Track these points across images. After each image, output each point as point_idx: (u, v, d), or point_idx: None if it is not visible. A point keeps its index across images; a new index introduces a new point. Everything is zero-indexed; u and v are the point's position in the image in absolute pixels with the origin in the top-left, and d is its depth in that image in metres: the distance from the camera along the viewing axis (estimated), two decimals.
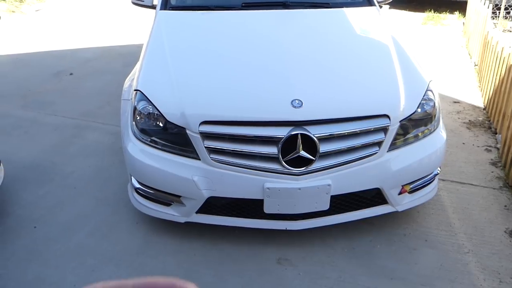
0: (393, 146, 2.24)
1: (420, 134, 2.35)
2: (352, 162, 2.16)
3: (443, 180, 3.00)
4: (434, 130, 2.41)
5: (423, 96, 2.34)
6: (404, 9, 7.90)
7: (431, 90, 2.42)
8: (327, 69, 2.40)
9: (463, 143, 3.52)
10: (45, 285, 2.18)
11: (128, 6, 3.70)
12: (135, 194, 2.43)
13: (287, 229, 2.27)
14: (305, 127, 2.08)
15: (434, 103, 2.39)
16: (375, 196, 2.32)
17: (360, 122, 2.15)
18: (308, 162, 2.09)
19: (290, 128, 2.07)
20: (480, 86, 4.62)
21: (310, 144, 2.07)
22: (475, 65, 5.17)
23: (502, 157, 3.23)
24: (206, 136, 2.12)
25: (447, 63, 5.35)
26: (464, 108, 4.16)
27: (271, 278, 2.20)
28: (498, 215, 2.66)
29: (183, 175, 2.17)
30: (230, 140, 2.12)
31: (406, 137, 2.29)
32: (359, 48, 2.66)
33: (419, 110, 2.32)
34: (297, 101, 2.11)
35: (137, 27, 6.55)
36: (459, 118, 3.96)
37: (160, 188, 2.28)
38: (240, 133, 2.09)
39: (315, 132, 2.07)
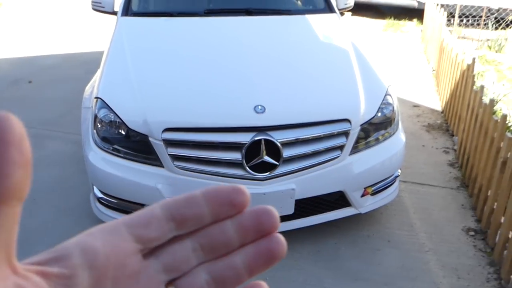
0: (354, 150, 2.30)
1: (380, 137, 2.42)
2: (315, 166, 2.20)
3: (404, 181, 3.10)
4: (394, 133, 2.49)
5: (382, 100, 2.42)
6: (366, 16, 8.12)
7: (389, 95, 2.50)
8: (289, 74, 2.44)
9: (423, 145, 3.64)
10: None
11: (90, 11, 3.63)
12: (98, 204, 2.38)
13: None
14: (268, 132, 2.10)
15: (393, 107, 2.47)
16: (338, 199, 2.37)
17: (322, 126, 2.20)
18: (272, 167, 2.11)
19: (253, 133, 2.08)
20: (438, 91, 4.81)
21: (273, 149, 2.10)
22: (433, 70, 5.38)
23: (458, 158, 3.37)
24: (169, 143, 2.11)
25: (407, 68, 5.54)
26: (423, 112, 4.30)
27: None
28: (456, 214, 2.77)
29: (147, 183, 2.15)
30: (194, 146, 2.11)
31: (367, 140, 2.35)
32: (320, 54, 2.72)
33: (379, 114, 2.39)
34: (260, 106, 2.13)
35: (99, 33, 6.43)
36: (418, 121, 4.10)
37: (123, 197, 2.24)
38: (203, 139, 2.09)
39: (278, 137, 2.10)
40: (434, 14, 5.69)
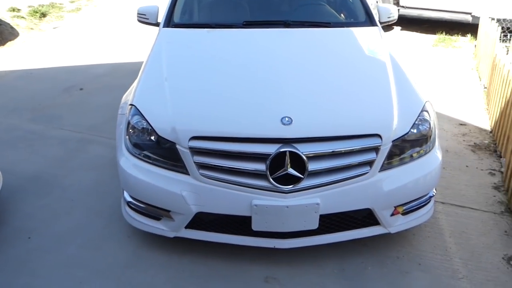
0: (385, 166, 2.22)
1: (414, 154, 2.31)
2: (342, 181, 2.14)
3: (442, 203, 2.94)
4: (429, 151, 2.37)
5: (418, 116, 2.32)
6: (416, 31, 7.90)
7: (427, 111, 2.39)
8: (321, 87, 2.41)
9: (467, 166, 3.45)
10: None
11: (140, 24, 3.79)
12: (127, 208, 2.45)
13: (275, 247, 2.24)
14: (294, 144, 2.07)
15: (430, 124, 2.36)
16: (366, 217, 2.29)
17: (351, 141, 2.14)
18: (296, 180, 2.08)
19: (279, 145, 2.07)
20: (488, 109, 4.56)
21: (298, 161, 2.07)
22: (484, 88, 5.11)
23: (505, 181, 3.16)
24: (195, 151, 2.13)
25: (456, 85, 5.30)
26: (470, 131, 4.09)
27: None
28: (497, 241, 2.59)
29: (173, 190, 2.18)
30: (219, 156, 2.12)
31: (399, 157, 2.26)
32: (356, 67, 2.66)
33: (413, 130, 2.30)
34: (287, 118, 2.12)
35: (147, 44, 6.70)
36: (464, 140, 3.89)
37: (150, 203, 2.29)
38: (228, 149, 2.10)
39: (303, 150, 2.06)
40: (487, 29, 5.43)
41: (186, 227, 2.28)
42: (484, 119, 4.36)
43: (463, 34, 7.61)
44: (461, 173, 3.34)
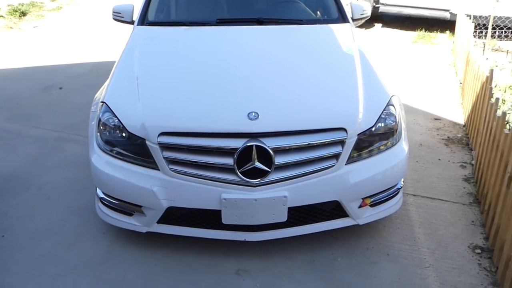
0: (351, 159, 2.27)
1: (380, 147, 2.37)
2: (309, 174, 2.19)
3: (413, 195, 3.02)
4: (396, 144, 2.43)
5: (384, 110, 2.38)
6: (396, 28, 8.00)
7: (392, 105, 2.45)
8: (288, 82, 2.45)
9: (439, 159, 3.53)
10: None
11: (121, 24, 3.80)
12: (100, 204, 2.47)
13: (246, 240, 2.29)
14: (260, 139, 2.11)
15: (396, 118, 2.42)
16: (335, 209, 2.34)
17: (317, 134, 2.19)
18: (264, 173, 2.12)
19: (245, 139, 2.11)
20: (462, 103, 4.65)
21: (265, 155, 2.11)
22: (460, 83, 5.21)
23: (475, 173, 3.24)
24: (164, 147, 2.17)
25: (434, 80, 5.40)
26: (444, 125, 4.18)
27: None
28: (464, 230, 2.66)
29: (144, 185, 2.21)
30: (188, 151, 2.16)
31: (365, 150, 2.32)
32: (324, 62, 2.71)
33: (380, 124, 2.36)
34: (253, 113, 2.16)
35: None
36: (438, 134, 3.98)
37: (122, 198, 2.32)
38: (197, 144, 2.13)
39: (270, 144, 2.11)
40: (463, 26, 5.53)
41: (158, 222, 2.31)
42: (458, 113, 4.46)
43: (443, 31, 7.73)
44: (433, 166, 3.42)
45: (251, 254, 2.42)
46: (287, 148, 2.14)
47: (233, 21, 3.18)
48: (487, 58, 5.21)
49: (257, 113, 2.16)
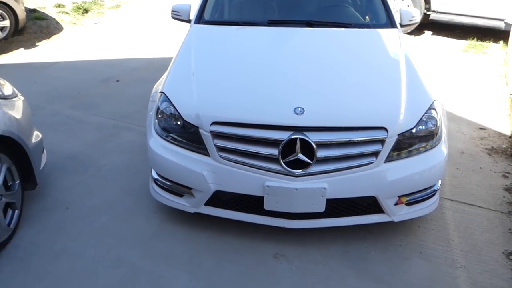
0: (390, 158, 2.38)
1: (419, 149, 2.46)
2: (348, 169, 2.32)
3: (450, 200, 3.06)
4: (435, 146, 2.51)
5: (425, 113, 2.47)
6: (447, 36, 7.89)
7: (434, 109, 2.54)
8: (334, 81, 2.60)
9: (480, 168, 3.54)
10: (68, 255, 2.49)
11: (174, 21, 4.08)
12: (154, 185, 2.71)
13: (285, 226, 2.45)
14: (305, 132, 2.27)
15: (436, 122, 2.50)
16: (371, 204, 2.45)
17: (358, 132, 2.32)
18: (306, 165, 2.28)
19: (291, 132, 2.27)
20: (510, 115, 4.59)
21: (308, 148, 2.26)
22: (510, 94, 5.12)
23: None
24: (215, 135, 2.37)
25: (482, 90, 5.33)
26: (489, 135, 4.15)
27: (265, 269, 2.38)
28: (500, 237, 2.69)
29: (195, 169, 2.43)
30: (237, 140, 2.35)
31: (404, 150, 2.42)
32: (370, 65, 2.83)
33: (421, 126, 2.45)
34: (299, 108, 2.32)
35: (180, 41, 7.00)
36: (481, 144, 3.97)
37: (174, 180, 2.54)
38: (245, 134, 2.32)
39: (313, 138, 2.26)
40: None
41: (205, 204, 2.52)
42: (505, 124, 4.40)
43: (496, 41, 7.55)
44: (473, 174, 3.44)
45: (288, 240, 2.58)
46: (329, 143, 2.29)
47: (284, 23, 3.35)
48: None
49: (303, 108, 2.32)
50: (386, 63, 2.85)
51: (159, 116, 2.61)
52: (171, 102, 2.56)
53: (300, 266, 2.40)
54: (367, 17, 3.61)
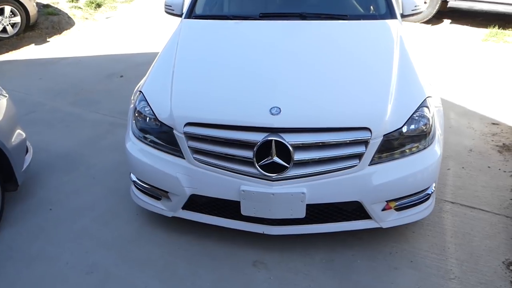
0: (376, 160, 2.21)
1: (411, 149, 2.28)
2: (329, 172, 2.17)
3: (451, 202, 2.86)
4: (427, 147, 2.32)
5: (415, 112, 2.28)
6: (467, 24, 7.50)
7: (427, 106, 2.35)
8: (317, 80, 2.42)
9: (488, 167, 3.31)
10: (43, 259, 2.44)
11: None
12: (133, 187, 2.63)
13: (264, 232, 2.32)
14: (281, 134, 2.13)
15: (428, 120, 2.31)
16: (356, 210, 2.30)
17: (339, 133, 2.16)
18: (282, 168, 2.14)
19: (266, 134, 2.13)
20: None
21: (285, 151, 2.12)
22: None
23: None
24: (189, 136, 2.26)
25: (499, 82, 5.02)
26: (501, 131, 3.89)
27: (242, 278, 2.27)
28: (501, 245, 2.49)
29: (170, 172, 2.32)
30: (211, 142, 2.23)
31: (391, 151, 2.24)
32: (361, 60, 2.64)
33: (411, 126, 2.27)
34: (275, 108, 2.18)
35: None
36: (492, 140, 3.72)
37: (151, 183, 2.45)
38: (219, 135, 2.20)
39: (290, 139, 2.12)
40: None
41: (182, 208, 2.42)
42: None
43: None
44: (480, 174, 3.21)
45: (270, 247, 2.45)
46: (307, 145, 2.14)
47: (276, 16, 3.19)
48: None
49: (279, 108, 2.17)
50: (377, 58, 2.65)
51: (136, 115, 2.51)
52: (147, 102, 2.46)
53: (279, 276, 2.28)
54: (364, 8, 3.40)
